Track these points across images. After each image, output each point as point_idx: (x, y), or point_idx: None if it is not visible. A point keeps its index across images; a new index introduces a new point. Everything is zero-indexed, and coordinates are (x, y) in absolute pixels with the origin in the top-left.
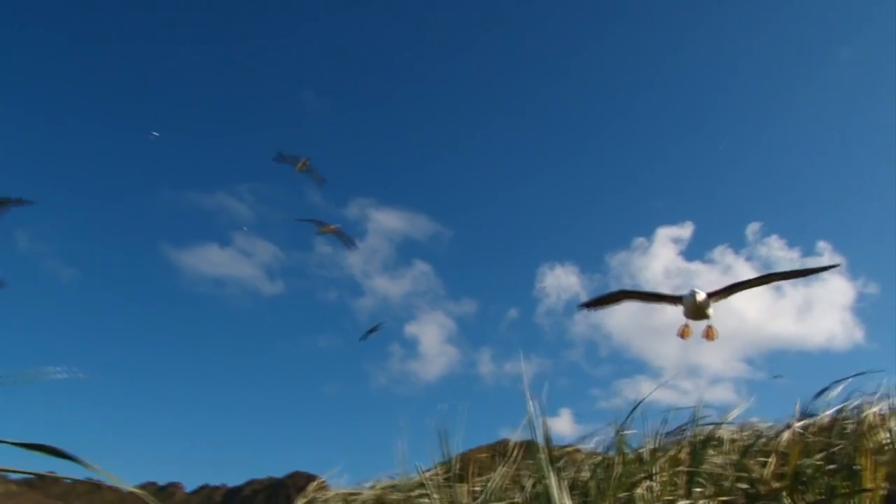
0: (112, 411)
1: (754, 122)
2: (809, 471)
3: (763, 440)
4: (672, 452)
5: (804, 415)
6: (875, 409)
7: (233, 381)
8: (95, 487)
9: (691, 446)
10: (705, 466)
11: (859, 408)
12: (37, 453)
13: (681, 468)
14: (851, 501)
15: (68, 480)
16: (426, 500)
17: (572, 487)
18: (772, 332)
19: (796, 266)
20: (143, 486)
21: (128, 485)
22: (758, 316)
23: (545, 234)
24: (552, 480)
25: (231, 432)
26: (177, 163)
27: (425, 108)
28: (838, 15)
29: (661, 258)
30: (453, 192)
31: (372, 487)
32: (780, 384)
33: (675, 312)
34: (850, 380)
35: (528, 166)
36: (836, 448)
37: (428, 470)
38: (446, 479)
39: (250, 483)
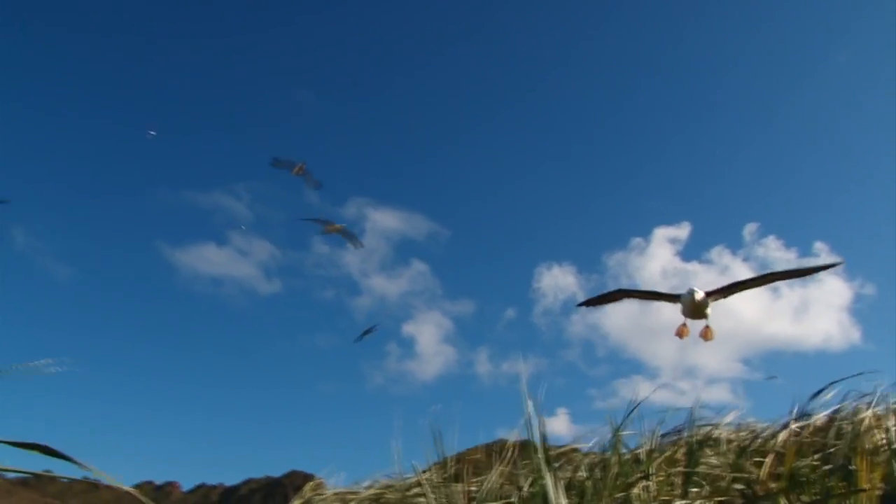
0: (109, 410)
1: (752, 123)
2: (806, 471)
3: (759, 441)
4: (669, 453)
5: (800, 415)
6: (871, 410)
7: (230, 380)
8: (92, 486)
9: (688, 447)
10: (702, 467)
11: (855, 409)
12: (32, 452)
13: (677, 468)
14: (847, 502)
15: (64, 479)
16: (423, 500)
17: (569, 487)
18: (769, 333)
19: (794, 267)
20: (139, 485)
21: (124, 484)
22: (755, 316)
23: (543, 234)
24: (549, 480)
25: (228, 431)
26: (174, 161)
27: (424, 108)
28: (836, 17)
29: (658, 258)
30: (451, 192)
31: (368, 487)
32: (777, 385)
33: (673, 313)
34: (847, 380)
35: (526, 166)
36: (832, 449)
37: (424, 470)
38: (443, 479)
39: (247, 482)
